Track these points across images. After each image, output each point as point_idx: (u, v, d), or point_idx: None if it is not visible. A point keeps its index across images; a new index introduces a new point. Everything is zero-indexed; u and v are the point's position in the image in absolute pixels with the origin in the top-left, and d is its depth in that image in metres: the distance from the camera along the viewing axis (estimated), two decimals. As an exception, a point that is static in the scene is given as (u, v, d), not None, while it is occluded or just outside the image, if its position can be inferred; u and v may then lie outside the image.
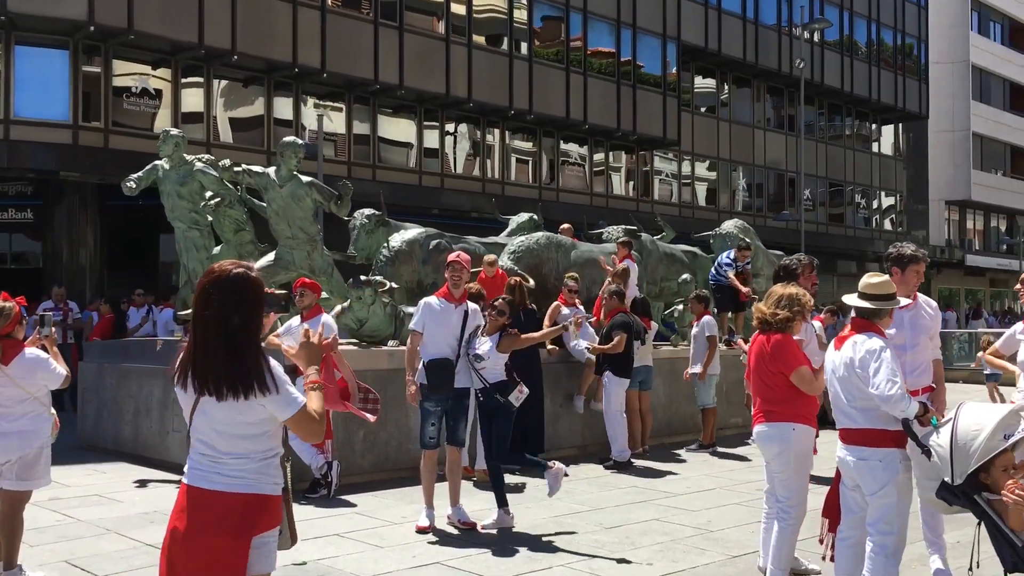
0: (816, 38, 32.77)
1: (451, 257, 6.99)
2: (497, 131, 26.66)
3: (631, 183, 30.55)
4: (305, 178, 9.23)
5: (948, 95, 43.39)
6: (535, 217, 12.17)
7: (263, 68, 21.69)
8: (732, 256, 11.94)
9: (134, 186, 9.23)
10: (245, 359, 2.98)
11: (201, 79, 21.22)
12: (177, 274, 10.89)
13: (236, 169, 9.11)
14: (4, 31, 18.71)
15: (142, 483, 8.38)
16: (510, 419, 6.71)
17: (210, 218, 9.41)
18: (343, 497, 7.72)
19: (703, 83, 33.00)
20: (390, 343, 9.03)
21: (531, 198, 26.64)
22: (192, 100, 21.18)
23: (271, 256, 9.21)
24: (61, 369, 5.39)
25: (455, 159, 25.98)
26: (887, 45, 38.75)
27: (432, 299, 6.88)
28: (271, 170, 9.18)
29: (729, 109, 33.95)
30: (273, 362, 3.11)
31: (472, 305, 6.95)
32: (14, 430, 5.09)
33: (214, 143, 20.84)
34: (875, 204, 40.51)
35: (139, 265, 21.74)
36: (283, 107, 22.58)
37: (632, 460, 9.22)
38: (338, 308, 9.01)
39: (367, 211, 10.47)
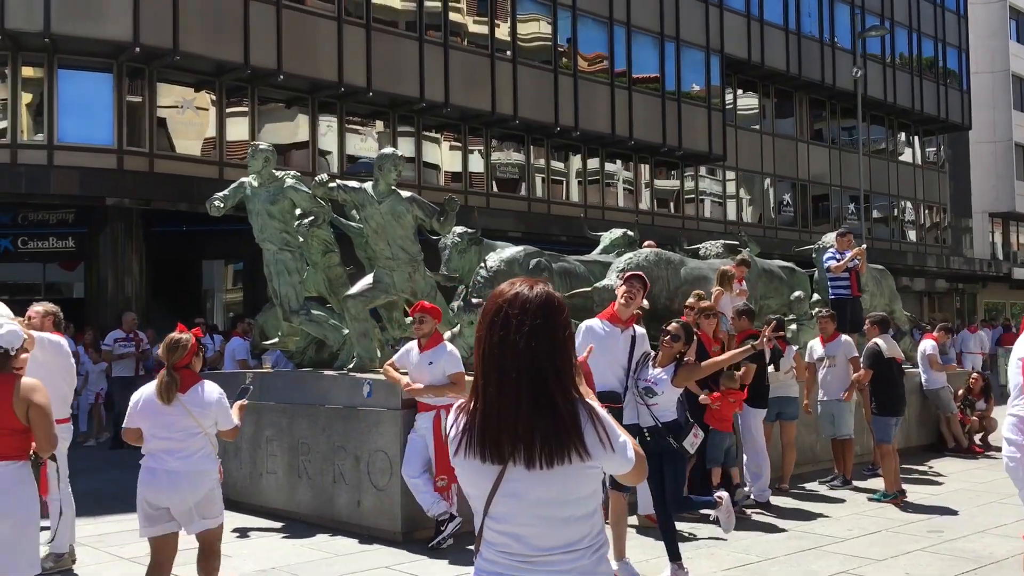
0: (861, 48, 31.93)
1: (629, 272, 6.27)
2: (542, 148, 25.94)
3: (676, 198, 29.73)
4: (405, 193, 8.45)
5: (989, 105, 42.48)
6: (630, 233, 11.35)
7: (307, 88, 21.07)
8: (833, 250, 11.07)
9: (221, 205, 8.46)
10: (566, 407, 2.16)
11: (246, 98, 20.60)
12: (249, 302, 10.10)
13: (331, 185, 8.33)
14: (47, 54, 18.16)
15: (242, 532, 7.56)
16: (684, 464, 5.84)
17: (301, 239, 8.62)
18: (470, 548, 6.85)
19: (745, 96, 32.23)
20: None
21: (579, 216, 25.94)
22: (236, 122, 20.55)
23: (368, 279, 8.41)
24: (236, 418, 5.13)
25: (497, 177, 25.25)
26: (928, 56, 37.92)
27: (595, 321, 6.14)
28: (368, 185, 8.40)
29: (772, 122, 33.14)
30: (594, 404, 2.28)
31: (640, 330, 6.20)
32: (183, 470, 4.79)
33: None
34: (920, 217, 39.52)
35: (183, 293, 21.07)
36: (327, 127, 21.94)
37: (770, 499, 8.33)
38: (448, 335, 8.19)
39: (459, 229, 9.69)
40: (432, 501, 6.90)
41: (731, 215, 31.43)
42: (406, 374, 7.10)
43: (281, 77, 20.06)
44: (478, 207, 23.93)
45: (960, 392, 12.21)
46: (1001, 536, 7.09)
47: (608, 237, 11.35)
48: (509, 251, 9.77)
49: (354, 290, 8.41)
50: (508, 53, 24.05)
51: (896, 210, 37.92)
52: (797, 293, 11.16)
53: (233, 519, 7.98)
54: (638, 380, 5.78)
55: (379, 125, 22.92)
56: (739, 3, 30.29)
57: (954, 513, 8.05)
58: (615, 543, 5.95)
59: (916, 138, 39.28)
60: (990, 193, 43.20)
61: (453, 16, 23.18)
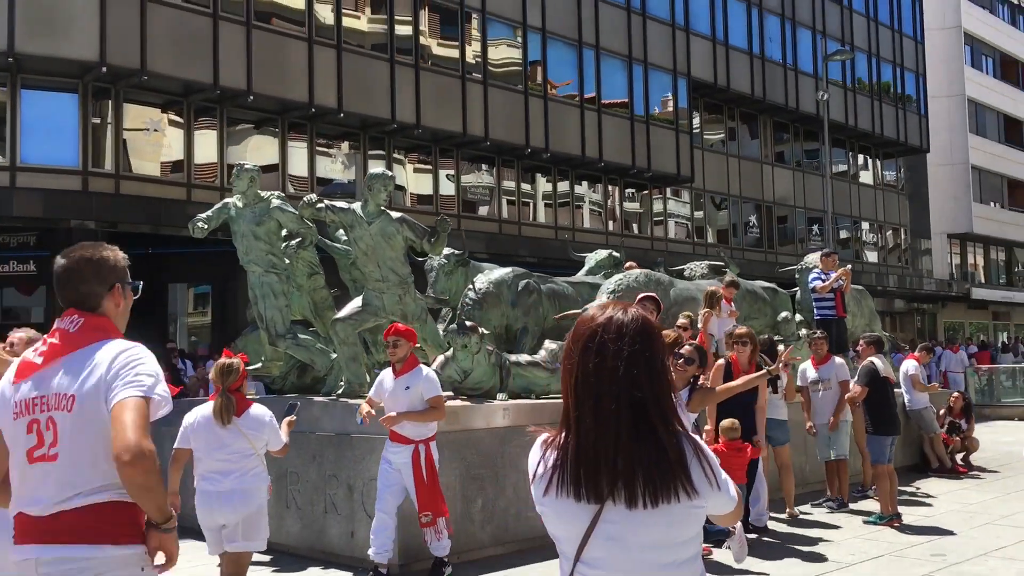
0: (823, 72, 32.41)
1: (642, 294, 6.19)
2: (513, 169, 25.89)
3: (644, 220, 29.84)
4: (395, 214, 8.27)
5: (946, 128, 43.34)
6: (615, 254, 11.28)
7: (277, 108, 20.81)
8: (818, 271, 11.07)
9: (205, 227, 8.21)
10: (669, 439, 2.00)
11: (215, 118, 20.29)
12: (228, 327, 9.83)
13: (319, 205, 8.13)
14: (10, 73, 17.71)
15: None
16: None
17: (288, 261, 8.40)
18: (476, 578, 6.65)
19: (711, 119, 32.54)
20: (499, 396, 8.03)
21: (548, 237, 25.90)
22: (205, 143, 20.22)
23: (357, 302, 8.21)
24: (284, 436, 5.39)
25: (467, 199, 25.14)
26: (886, 81, 38.64)
27: None
28: (356, 206, 8.22)
29: (737, 144, 33.48)
30: (697, 438, 2.15)
31: None
32: (237, 488, 5.05)
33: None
34: (880, 238, 40.12)
35: (149, 318, 20.59)
36: (298, 146, 21.68)
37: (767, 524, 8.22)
38: (440, 359, 8.02)
39: (446, 251, 9.54)
40: (387, 543, 6.50)
41: (698, 236, 31.61)
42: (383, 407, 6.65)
43: (251, 98, 19.80)
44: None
45: (941, 412, 12.25)
46: (1005, 559, 7.04)
47: (593, 258, 11.27)
48: (497, 273, 9.64)
49: (343, 313, 8.20)
50: (479, 75, 24.02)
51: (857, 231, 38.44)
52: (784, 314, 11.14)
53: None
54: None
55: (346, 147, 22.71)
56: (705, 27, 30.63)
57: (952, 535, 8.00)
58: None
59: (876, 161, 39.92)
60: (948, 215, 43.98)
61: (424, 39, 23.11)
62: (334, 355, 8.39)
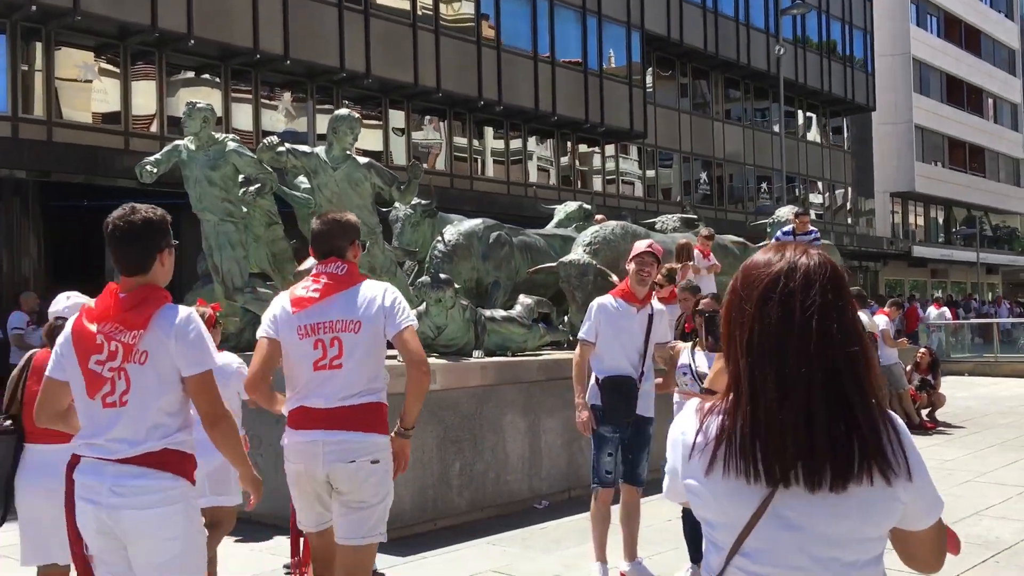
0: (775, 28, 32.17)
1: (640, 246, 5.47)
2: (463, 122, 25.24)
3: (598, 175, 29.47)
4: (362, 159, 7.72)
5: (891, 88, 43.64)
6: (586, 206, 10.86)
7: (219, 55, 19.83)
8: (790, 228, 10.80)
9: (154, 170, 7.53)
10: (864, 412, 1.66)
11: (152, 66, 19.25)
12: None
13: (279, 149, 7.52)
14: (-70, 10, 16.51)
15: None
16: None
17: (245, 209, 7.79)
18: (454, 547, 6.26)
19: (664, 74, 32.17)
20: (475, 354, 7.59)
21: (499, 192, 25.39)
22: (143, 90, 19.20)
23: (322, 253, 7.66)
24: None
25: (421, 153, 24.47)
26: (835, 38, 38.63)
27: (607, 299, 5.52)
28: (320, 150, 7.64)
29: (689, 100, 33.19)
30: (895, 418, 1.76)
31: (658, 306, 5.58)
32: (201, 439, 4.18)
33: (168, 136, 18.92)
34: (825, 197, 40.40)
35: (87, 275, 19.61)
36: (242, 95, 20.74)
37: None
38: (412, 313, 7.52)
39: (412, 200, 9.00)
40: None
41: (648, 194, 31.37)
42: None
43: (191, 42, 18.80)
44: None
45: (908, 368, 12.18)
46: (998, 519, 6.88)
47: (563, 211, 10.85)
48: (467, 224, 9.18)
49: (306, 266, 7.58)
50: (430, 24, 23.22)
51: (801, 189, 38.62)
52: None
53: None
54: (683, 369, 5.20)
55: (289, 97, 21.81)
56: (659, -21, 30.10)
57: (936, 492, 7.82)
58: (626, 542, 5.45)
59: (824, 119, 40.05)
60: (891, 174, 44.47)
61: (373, -17, 22.23)
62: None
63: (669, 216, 11.59)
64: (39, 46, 17.63)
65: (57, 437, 3.70)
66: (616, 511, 5.43)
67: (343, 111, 7.70)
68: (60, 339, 3.20)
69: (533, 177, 27.11)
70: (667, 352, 5.57)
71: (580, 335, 5.49)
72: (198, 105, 7.69)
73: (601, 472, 5.36)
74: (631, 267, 5.44)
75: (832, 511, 1.63)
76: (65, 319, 3.93)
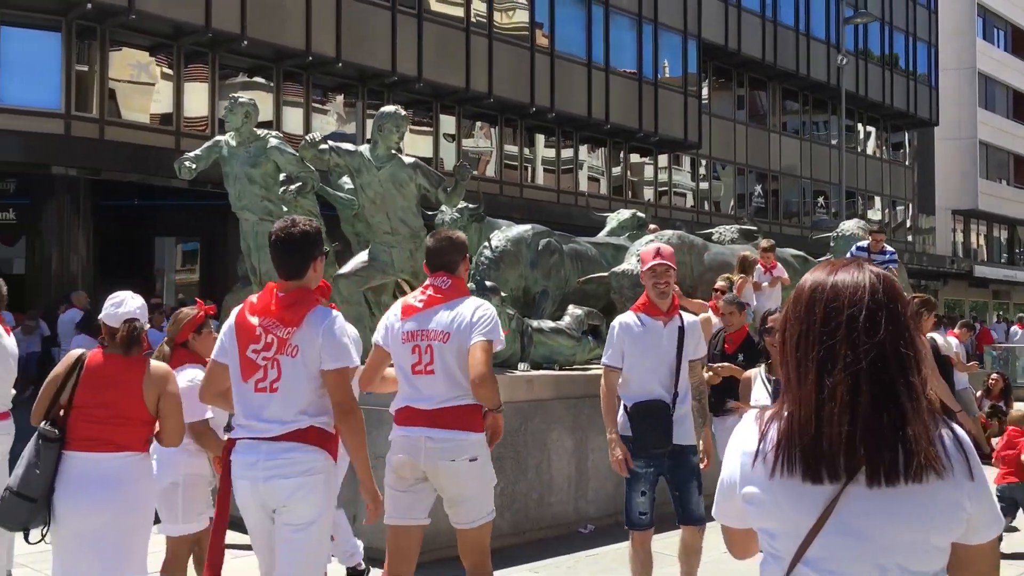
0: (837, 39, 31.38)
1: (646, 254, 4.81)
2: (515, 129, 24.91)
3: (649, 185, 28.93)
4: (407, 158, 7.38)
5: (955, 102, 42.41)
6: (640, 214, 10.41)
7: (271, 56, 19.75)
8: (865, 245, 10.22)
9: (193, 166, 7.29)
10: (917, 417, 1.68)
11: (205, 67, 19.23)
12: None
13: (322, 147, 7.22)
14: (-11, 8, 16.62)
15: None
16: None
17: (286, 208, 7.49)
18: (495, 573, 5.85)
19: (720, 84, 31.54)
20: (520, 366, 7.20)
21: (549, 200, 24.97)
22: (195, 90, 19.18)
23: (363, 256, 7.34)
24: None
25: (471, 159, 24.19)
26: (898, 51, 37.62)
27: (628, 317, 4.87)
28: (364, 148, 7.32)
29: (745, 111, 32.50)
30: (955, 425, 1.81)
31: (690, 318, 4.93)
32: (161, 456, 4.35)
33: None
34: (885, 213, 39.34)
35: (134, 273, 19.64)
36: (293, 98, 20.65)
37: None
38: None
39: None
40: (354, 545, 5.55)
41: (701, 205, 30.74)
42: None
43: (245, 43, 18.75)
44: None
45: (979, 394, 11.52)
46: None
47: (615, 219, 10.41)
48: (516, 230, 8.79)
49: (346, 269, 7.34)
50: (483, 29, 22.95)
51: (860, 204, 37.63)
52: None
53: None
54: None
55: (341, 100, 21.68)
56: (717, -12, 29.55)
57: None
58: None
59: (884, 133, 39.03)
60: (954, 190, 43.21)
61: (428, -14, 22.03)
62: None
63: (727, 227, 11.10)
64: (94, 45, 17.68)
65: (102, 444, 3.76)
66: (674, 545, 4.94)
67: (389, 108, 7.36)
68: (224, 328, 3.64)
69: (584, 186, 26.68)
70: (700, 373, 4.97)
71: (604, 361, 4.84)
72: (240, 99, 7.44)
73: (633, 514, 4.73)
74: (649, 281, 4.79)
75: (895, 515, 1.63)
76: (138, 319, 3.95)
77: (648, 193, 28.59)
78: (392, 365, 4.11)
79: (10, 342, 4.95)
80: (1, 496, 3.77)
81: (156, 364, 3.99)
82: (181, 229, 21.08)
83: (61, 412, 3.86)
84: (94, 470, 3.77)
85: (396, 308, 4.16)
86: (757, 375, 4.68)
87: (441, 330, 3.94)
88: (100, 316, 4.06)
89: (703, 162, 30.70)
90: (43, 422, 3.85)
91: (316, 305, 3.53)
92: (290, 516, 3.45)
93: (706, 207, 30.78)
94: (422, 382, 3.96)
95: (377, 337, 4.16)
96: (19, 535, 4.00)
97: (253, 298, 3.66)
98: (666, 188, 29.48)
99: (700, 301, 7.75)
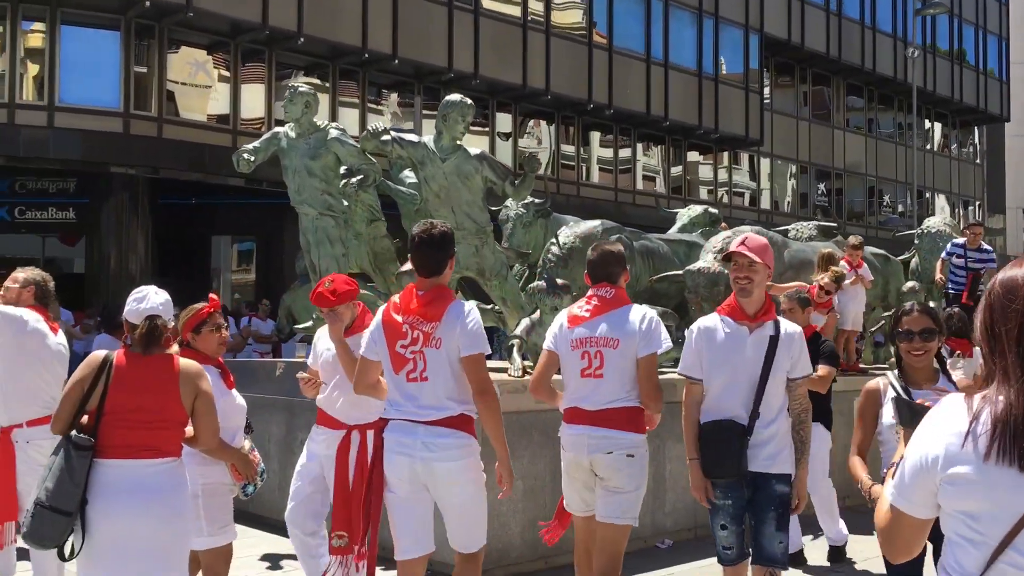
0: (914, 30, 30.39)
1: (734, 245, 4.06)
2: (571, 127, 24.46)
3: (709, 183, 28.26)
4: (474, 150, 7.01)
5: (1026, 97, 40.93)
6: (712, 210, 9.92)
7: (327, 53, 19.58)
8: (962, 242, 9.60)
9: (251, 159, 6.98)
10: None
11: (262, 65, 19.12)
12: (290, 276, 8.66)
13: (385, 138, 6.87)
14: (50, 8, 16.67)
15: (273, 562, 6.13)
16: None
17: (346, 202, 7.16)
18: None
19: (783, 79, 30.71)
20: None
21: (607, 199, 24.47)
22: (253, 89, 19.08)
23: (426, 253, 6.96)
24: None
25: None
26: (968, 44, 36.33)
27: (710, 320, 4.16)
28: (428, 139, 6.96)
29: (809, 108, 31.60)
30: None
31: (790, 327, 4.11)
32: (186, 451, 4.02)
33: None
34: (955, 212, 38.05)
35: (191, 273, 19.63)
36: (349, 97, 20.47)
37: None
38: (525, 322, 6.76)
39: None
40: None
41: (764, 203, 29.97)
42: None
43: (301, 40, 18.59)
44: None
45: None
46: None
47: (687, 215, 9.92)
48: (584, 226, 8.35)
49: (409, 266, 6.96)
50: (540, 25, 22.55)
51: (928, 204, 36.44)
52: (911, 284, 9.70)
53: (261, 540, 6.57)
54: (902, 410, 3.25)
55: (396, 98, 21.44)
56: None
57: None
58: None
59: (953, 129, 37.77)
60: (1025, 188, 41.72)
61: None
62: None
63: (805, 223, 10.53)
64: (152, 43, 17.66)
65: (142, 451, 3.53)
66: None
67: (455, 96, 6.98)
68: (372, 326, 4.00)
69: (640, 184, 26.14)
70: (803, 395, 4.14)
71: (680, 370, 4.23)
72: (300, 89, 7.11)
73: (718, 547, 4.15)
74: (731, 274, 4.14)
75: None
76: (160, 316, 3.68)
77: (708, 191, 27.92)
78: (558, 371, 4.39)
79: (55, 341, 4.66)
80: (32, 512, 3.46)
81: (186, 362, 3.72)
82: (237, 228, 21.05)
83: (87, 418, 3.57)
84: (133, 478, 3.51)
85: (563, 317, 4.41)
86: (888, 387, 3.68)
87: (611, 336, 4.16)
88: (124, 313, 3.77)
89: (764, 160, 29.92)
90: (71, 430, 3.54)
91: (453, 300, 3.93)
92: (449, 496, 3.89)
93: (768, 205, 30.00)
94: (590, 385, 4.18)
95: (547, 343, 4.43)
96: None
97: (395, 298, 4.02)
98: (726, 185, 28.78)
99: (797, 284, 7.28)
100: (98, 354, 3.70)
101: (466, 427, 3.87)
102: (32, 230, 18.63)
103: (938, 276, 9.72)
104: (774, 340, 4.03)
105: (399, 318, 3.89)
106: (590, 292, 4.33)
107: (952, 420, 1.77)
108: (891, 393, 3.59)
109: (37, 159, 16.78)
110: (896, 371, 3.74)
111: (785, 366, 4.05)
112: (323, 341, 4.75)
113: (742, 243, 4.05)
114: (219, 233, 21.30)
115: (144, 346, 3.63)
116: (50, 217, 18.63)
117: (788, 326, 4.14)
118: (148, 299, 3.76)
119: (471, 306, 3.94)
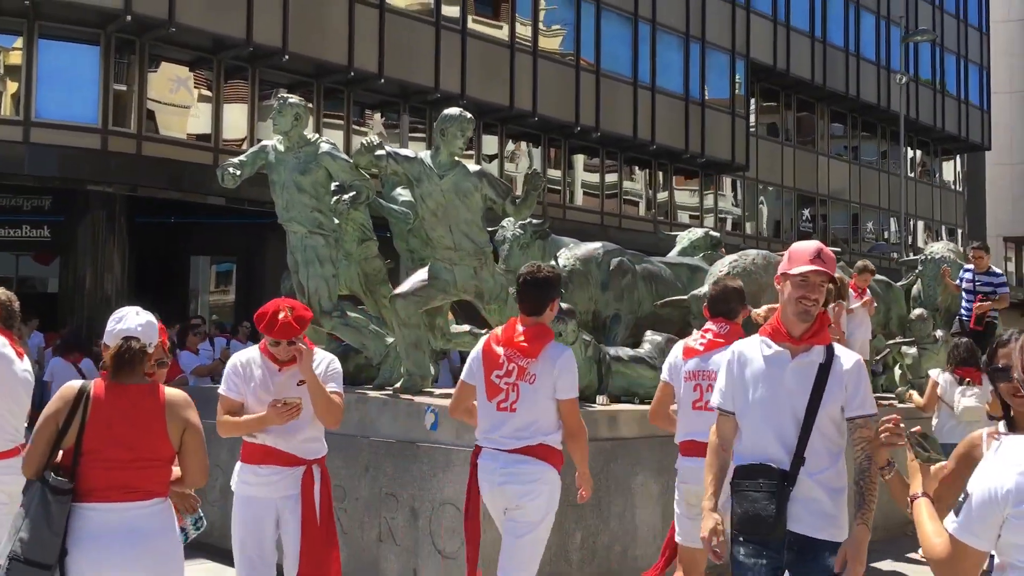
0: (900, 58, 30.50)
1: (800, 253, 3.32)
2: (558, 149, 24.22)
3: (695, 207, 28.08)
4: (473, 166, 6.65)
5: (1007, 126, 41.24)
6: (713, 233, 9.61)
7: (312, 71, 19.23)
8: (971, 268, 9.37)
9: (237, 173, 6.58)
10: None
11: (245, 83, 18.74)
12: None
13: (379, 152, 6.50)
14: (27, 20, 16.23)
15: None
16: None
17: (337, 220, 6.78)
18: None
19: (768, 105, 30.70)
20: (599, 399, 6.41)
21: (593, 223, 24.19)
22: (235, 107, 18.68)
23: (422, 274, 6.57)
24: None
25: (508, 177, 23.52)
26: (949, 73, 36.55)
27: (749, 343, 3.47)
28: (425, 155, 6.59)
29: (793, 133, 31.59)
30: None
31: (846, 354, 3.37)
32: None
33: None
34: (936, 239, 38.13)
35: (168, 293, 19.10)
36: (333, 118, 20.12)
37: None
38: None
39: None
40: None
41: (748, 228, 29.82)
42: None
43: (286, 57, 18.24)
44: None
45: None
46: None
47: (687, 238, 9.60)
48: (584, 248, 8.02)
49: (404, 288, 6.57)
50: (528, 46, 22.34)
51: (910, 231, 36.46)
52: (920, 312, 9.42)
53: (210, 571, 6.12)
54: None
55: (380, 118, 21.12)
56: (766, 6, 28.77)
57: None
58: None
59: (935, 157, 37.92)
60: (1006, 216, 41.94)
61: (471, 11, 21.47)
62: (390, 339, 6.80)
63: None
64: (133, 59, 17.25)
65: (126, 493, 3.18)
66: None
67: (454, 110, 6.61)
68: (473, 354, 4.31)
69: (626, 208, 25.90)
70: (869, 438, 3.24)
71: (713, 403, 3.59)
72: (290, 100, 6.73)
73: None
74: (787, 291, 3.31)
75: None
76: (137, 338, 3.31)
77: (694, 215, 27.73)
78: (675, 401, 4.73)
79: (21, 368, 4.25)
80: (7, 568, 3.06)
81: (173, 392, 3.37)
82: (217, 248, 20.59)
83: (63, 456, 3.18)
84: (118, 523, 3.15)
85: (678, 349, 4.74)
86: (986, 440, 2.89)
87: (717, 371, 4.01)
88: (104, 336, 3.45)
89: (750, 184, 29.79)
90: (46, 472, 3.13)
91: (551, 339, 4.20)
92: (519, 515, 4.12)
93: (753, 230, 29.86)
94: (703, 418, 4.19)
95: (663, 375, 4.79)
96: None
97: (498, 330, 4.34)
98: (712, 212, 28.62)
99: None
100: (73, 385, 3.29)
101: (545, 456, 4.10)
102: (5, 248, 18.09)
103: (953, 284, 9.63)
104: (824, 369, 3.29)
105: (499, 349, 4.17)
106: (707, 325, 4.60)
107: (1021, 457, 1.99)
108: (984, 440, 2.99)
109: (12, 175, 16.27)
110: (1003, 421, 2.77)
111: (839, 400, 3.29)
112: (257, 370, 4.26)
113: (818, 257, 3.27)
114: (198, 253, 20.82)
115: (115, 370, 3.24)
116: (24, 235, 18.09)
117: (843, 353, 3.40)
118: (125, 319, 3.43)
119: (568, 350, 4.22)
